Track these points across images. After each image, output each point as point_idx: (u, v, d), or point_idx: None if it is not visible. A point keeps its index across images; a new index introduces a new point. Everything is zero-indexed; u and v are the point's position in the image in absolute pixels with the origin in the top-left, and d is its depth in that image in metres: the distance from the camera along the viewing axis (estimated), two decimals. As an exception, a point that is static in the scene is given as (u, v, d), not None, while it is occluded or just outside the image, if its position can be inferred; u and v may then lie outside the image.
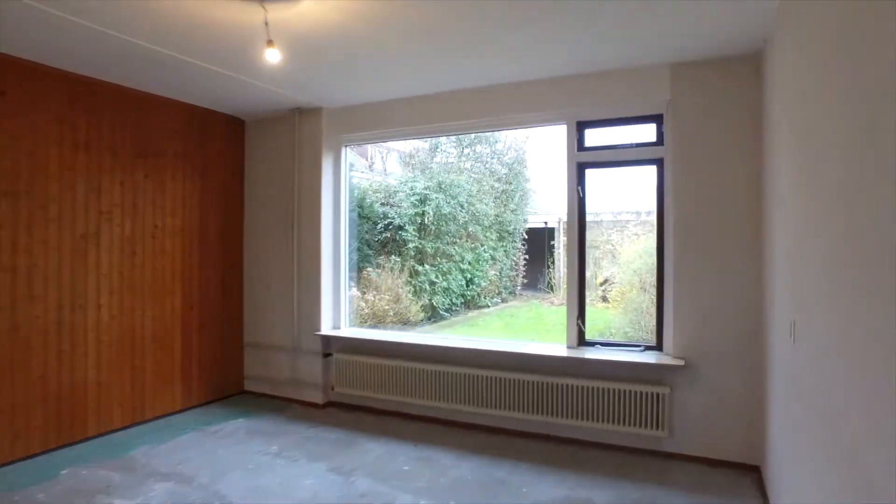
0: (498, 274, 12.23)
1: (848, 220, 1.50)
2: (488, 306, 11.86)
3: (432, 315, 10.66)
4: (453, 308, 11.22)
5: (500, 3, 2.91)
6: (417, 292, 10.51)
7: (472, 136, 11.43)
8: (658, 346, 3.97)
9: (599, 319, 8.16)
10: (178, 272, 4.83)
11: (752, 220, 3.57)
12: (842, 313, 1.57)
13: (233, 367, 5.39)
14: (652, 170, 3.97)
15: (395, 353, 4.77)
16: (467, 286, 11.43)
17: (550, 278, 12.25)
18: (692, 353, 3.75)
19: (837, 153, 1.62)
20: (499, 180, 11.80)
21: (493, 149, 12.12)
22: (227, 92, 4.52)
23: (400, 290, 10.23)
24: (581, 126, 4.20)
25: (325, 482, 3.57)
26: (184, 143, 4.86)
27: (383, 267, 10.07)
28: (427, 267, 10.64)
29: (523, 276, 12.58)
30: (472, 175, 11.84)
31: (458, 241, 11.32)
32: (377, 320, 9.54)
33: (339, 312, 5.21)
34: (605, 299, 9.71)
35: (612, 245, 10.32)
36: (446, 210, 10.59)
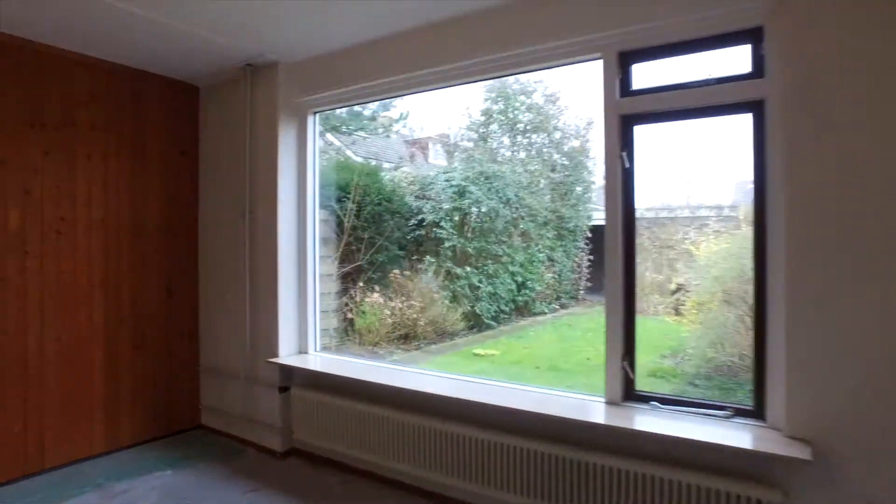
0: (556, 277, 11.13)
1: None
2: (544, 313, 10.78)
3: (475, 324, 9.62)
4: (501, 315, 10.20)
5: None
6: (457, 298, 9.49)
7: (526, 123, 10.41)
8: (757, 412, 2.44)
9: (672, 335, 6.70)
10: (99, 278, 3.76)
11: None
12: None
13: (184, 395, 4.29)
14: (741, 123, 2.43)
15: (370, 394, 3.49)
16: (518, 291, 10.41)
17: (619, 281, 10.81)
18: (825, 435, 2.17)
19: None
20: (554, 170, 10.54)
21: (552, 138, 11.03)
22: (155, 44, 3.41)
23: (434, 295, 9.22)
24: (626, 59, 2.74)
25: None
26: (105, 111, 3.79)
27: (415, 269, 9.06)
28: (468, 269, 9.58)
29: (587, 279, 11.43)
30: (524, 164, 10.67)
31: (506, 239, 10.34)
32: (406, 331, 8.58)
33: (307, 332, 3.98)
34: (677, 311, 8.05)
35: (689, 243, 8.65)
36: (490, 204, 9.51)
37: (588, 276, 11.01)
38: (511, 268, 9.90)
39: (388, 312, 8.28)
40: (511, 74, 3.70)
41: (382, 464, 3.42)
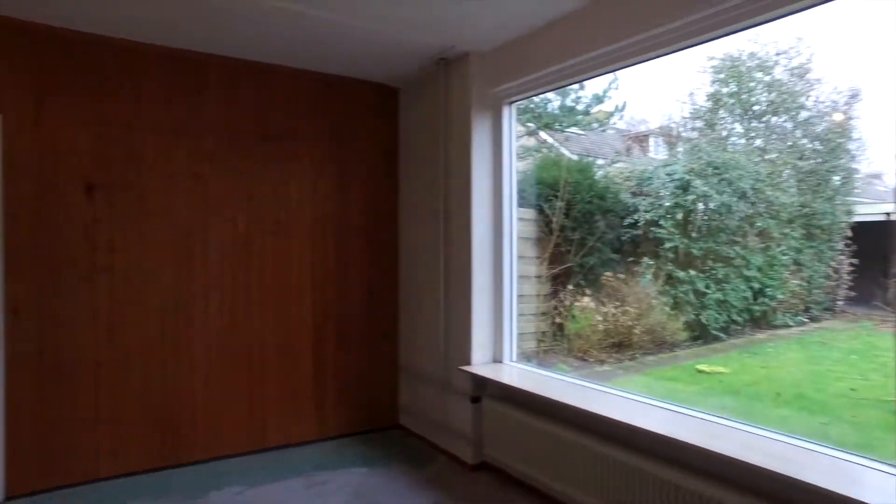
0: (804, 284, 9.45)
1: None
2: (787, 326, 9.25)
3: (700, 334, 8.58)
4: (732, 326, 8.97)
5: None
6: (678, 305, 8.56)
7: (764, 103, 9.09)
8: None
9: None
10: (308, 276, 4.00)
11: None
12: None
13: (384, 394, 4.38)
14: None
15: (568, 417, 3.09)
16: (754, 299, 9.06)
17: (896, 292, 8.86)
18: None
19: None
20: (802, 157, 8.90)
21: (796, 120, 9.34)
22: (357, 49, 3.55)
23: (652, 300, 8.46)
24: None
25: None
26: (315, 119, 4.04)
27: (630, 272, 8.39)
28: (692, 273, 8.58)
29: (848, 287, 9.49)
30: (761, 152, 9.26)
31: (740, 239, 9.14)
32: (620, 339, 8.02)
33: (502, 340, 3.72)
34: None
35: None
36: (720, 199, 8.44)
37: (850, 283, 9.09)
38: (745, 272, 8.60)
39: (600, 318, 7.79)
40: (737, 30, 2.74)
41: (579, 499, 2.97)
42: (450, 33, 3.39)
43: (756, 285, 8.61)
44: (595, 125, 10.84)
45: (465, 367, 3.65)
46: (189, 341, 3.66)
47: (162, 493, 3.38)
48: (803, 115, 8.77)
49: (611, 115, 10.85)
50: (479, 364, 3.72)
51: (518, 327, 4.01)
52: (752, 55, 8.26)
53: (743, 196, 8.39)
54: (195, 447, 3.71)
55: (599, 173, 8.77)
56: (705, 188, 8.13)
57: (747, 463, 2.17)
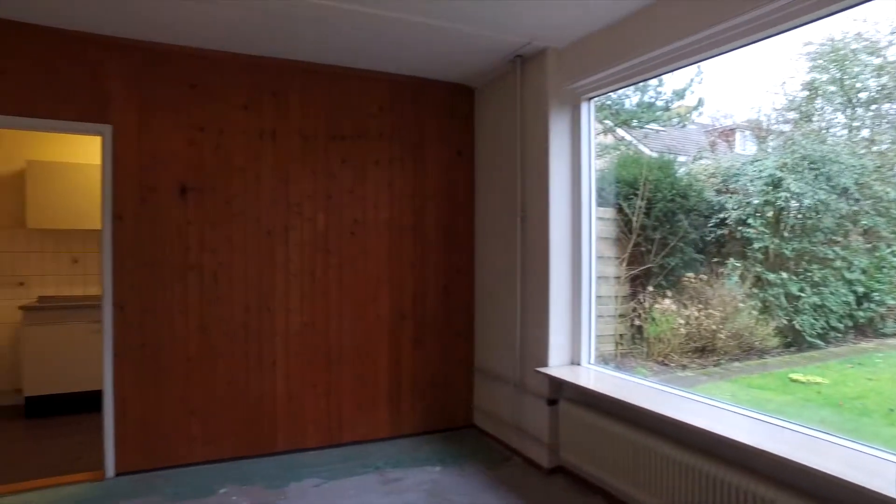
0: None
1: None
2: None
3: (792, 341, 8.02)
4: (831, 333, 8.32)
5: None
6: (768, 309, 8.05)
7: (874, 89, 8.37)
8: None
9: None
10: (385, 275, 4.07)
11: None
12: None
13: (459, 393, 4.39)
14: None
15: (648, 423, 2.97)
16: (858, 304, 8.38)
17: None
18: None
19: None
20: None
21: None
22: (430, 49, 3.59)
23: (739, 304, 8.01)
24: None
25: None
26: (390, 120, 4.09)
27: (714, 273, 7.97)
28: (784, 275, 8.04)
29: None
30: (868, 143, 8.50)
31: (840, 239, 8.48)
32: (703, 343, 7.64)
33: (580, 341, 3.64)
34: None
35: None
36: (816, 196, 7.86)
37: (979, 288, 8.20)
38: (847, 274, 8.09)
39: (682, 321, 7.43)
40: (834, 12, 2.46)
41: (662, 509, 2.85)
42: (527, 29, 3.34)
43: (860, 289, 7.96)
44: (675, 120, 10.39)
45: (542, 369, 3.59)
46: (271, 338, 3.83)
47: (247, 481, 3.56)
48: (923, 96, 8.00)
49: (692, 109, 10.37)
50: (556, 366, 3.64)
51: (596, 329, 3.90)
52: (858, 36, 7.60)
53: (844, 192, 7.77)
54: (277, 439, 3.88)
55: (682, 170, 8.38)
56: (799, 185, 7.58)
57: (853, 483, 1.99)
